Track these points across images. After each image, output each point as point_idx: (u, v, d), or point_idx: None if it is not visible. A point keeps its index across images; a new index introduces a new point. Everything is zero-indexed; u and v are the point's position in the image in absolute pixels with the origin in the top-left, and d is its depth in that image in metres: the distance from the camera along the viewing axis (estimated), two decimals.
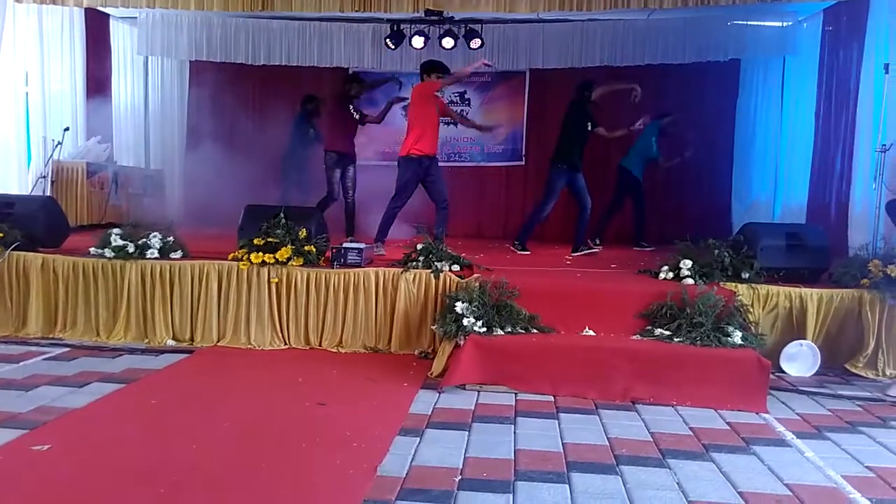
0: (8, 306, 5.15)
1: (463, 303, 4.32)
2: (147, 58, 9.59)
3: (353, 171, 7.33)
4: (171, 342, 4.97)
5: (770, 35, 8.48)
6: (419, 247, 5.08)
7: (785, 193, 8.32)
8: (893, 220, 5.43)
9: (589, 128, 6.70)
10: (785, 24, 8.34)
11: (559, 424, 3.49)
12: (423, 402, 3.77)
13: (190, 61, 9.73)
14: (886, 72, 5.63)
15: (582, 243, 6.84)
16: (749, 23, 8.51)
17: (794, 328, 4.74)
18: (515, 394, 3.98)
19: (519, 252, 6.78)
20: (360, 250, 5.04)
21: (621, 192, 8.15)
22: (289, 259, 4.90)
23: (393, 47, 8.73)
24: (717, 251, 4.89)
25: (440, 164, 6.12)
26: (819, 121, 7.41)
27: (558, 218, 7.92)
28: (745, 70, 9.19)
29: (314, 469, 2.83)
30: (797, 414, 3.81)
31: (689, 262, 4.83)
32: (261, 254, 4.89)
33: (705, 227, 5.79)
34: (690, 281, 4.73)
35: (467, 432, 3.31)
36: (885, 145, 5.52)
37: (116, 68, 9.12)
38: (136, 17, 9.03)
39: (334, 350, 4.88)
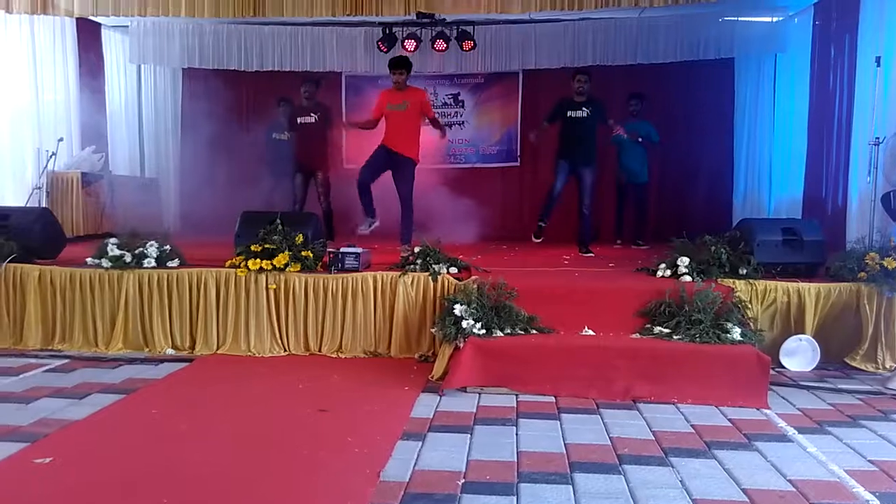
0: (5, 319, 5.12)
1: (461, 305, 4.32)
2: (140, 66, 9.60)
3: (321, 178, 7.55)
4: (170, 351, 4.96)
5: (763, 31, 8.52)
6: (417, 250, 5.08)
7: (779, 188, 8.35)
8: (888, 212, 5.45)
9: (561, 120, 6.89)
10: (776, 18, 8.38)
11: (561, 425, 3.49)
12: (425, 405, 3.77)
13: (183, 69, 9.75)
14: (878, 65, 5.65)
15: (583, 245, 6.89)
16: (740, 18, 8.55)
17: (792, 323, 4.75)
18: (516, 395, 3.98)
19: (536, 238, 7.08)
20: (357, 255, 5.03)
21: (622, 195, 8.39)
22: (286, 265, 4.89)
23: (385, 50, 8.73)
24: (713, 248, 4.89)
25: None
26: (812, 115, 7.43)
27: (554, 220, 7.93)
28: (739, 67, 9.22)
29: (317, 476, 2.82)
30: (798, 409, 3.82)
31: (686, 260, 4.84)
32: (258, 260, 4.88)
33: (707, 226, 5.84)
34: (688, 278, 4.73)
35: (469, 435, 3.31)
36: (878, 138, 5.54)
37: (109, 77, 9.11)
38: (127, 26, 9.04)
39: (334, 355, 4.87)
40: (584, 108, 6.73)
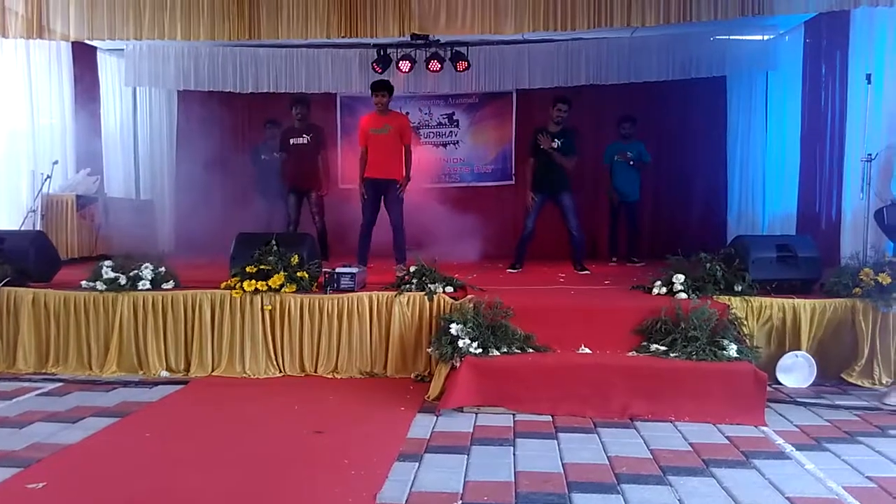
0: None
1: (457, 324, 4.31)
2: (135, 89, 9.63)
3: (314, 198, 7.54)
4: (165, 374, 4.93)
5: (754, 49, 8.60)
6: (412, 269, 5.08)
7: (773, 205, 8.39)
8: (882, 228, 5.48)
9: (535, 151, 6.85)
10: (767, 37, 8.46)
11: (558, 444, 3.47)
12: (421, 426, 3.75)
13: (178, 91, 9.77)
14: (869, 82, 5.70)
15: (578, 263, 6.89)
16: (732, 37, 8.63)
17: (788, 339, 4.75)
18: (513, 415, 3.96)
19: (510, 271, 6.89)
20: (352, 275, 5.02)
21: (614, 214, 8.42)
22: (282, 286, 4.88)
23: (380, 71, 8.78)
24: (708, 265, 4.91)
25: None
26: (805, 132, 7.48)
27: (549, 238, 7.97)
28: (731, 85, 9.29)
29: (312, 499, 2.80)
30: (795, 426, 3.81)
31: (681, 277, 4.85)
32: (253, 281, 4.87)
33: (702, 243, 5.88)
34: (684, 295, 4.74)
35: (466, 455, 3.29)
36: (870, 155, 5.58)
37: (105, 100, 9.14)
38: (123, 50, 9.07)
39: (330, 376, 4.85)
40: (556, 140, 6.73)
